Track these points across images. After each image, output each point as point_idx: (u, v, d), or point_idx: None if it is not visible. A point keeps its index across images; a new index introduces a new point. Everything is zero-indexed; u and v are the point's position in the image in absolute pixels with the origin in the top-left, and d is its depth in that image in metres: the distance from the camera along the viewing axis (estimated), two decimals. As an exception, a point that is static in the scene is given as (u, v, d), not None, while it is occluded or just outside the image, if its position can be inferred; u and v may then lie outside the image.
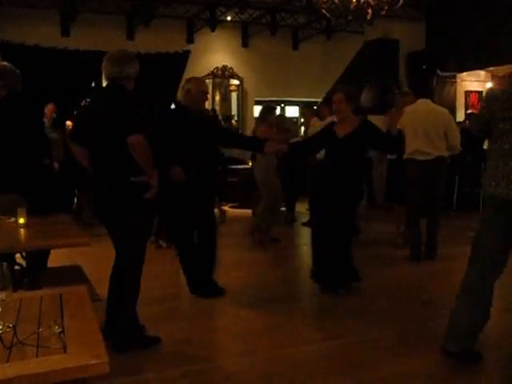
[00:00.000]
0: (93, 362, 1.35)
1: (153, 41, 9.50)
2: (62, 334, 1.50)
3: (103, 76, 3.06)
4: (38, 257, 2.99)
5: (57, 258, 3.59)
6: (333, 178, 4.07)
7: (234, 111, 11.06)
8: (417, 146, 4.97)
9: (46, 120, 5.57)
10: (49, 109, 6.41)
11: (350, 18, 6.08)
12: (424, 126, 4.99)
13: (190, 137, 3.93)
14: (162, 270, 4.74)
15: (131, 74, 2.98)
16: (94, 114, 3.01)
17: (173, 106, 5.98)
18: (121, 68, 2.95)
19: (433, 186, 5.07)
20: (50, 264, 3.46)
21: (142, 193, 2.88)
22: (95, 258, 4.17)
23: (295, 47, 11.25)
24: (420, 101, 5.17)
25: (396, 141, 4.15)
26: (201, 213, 4.07)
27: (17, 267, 3.22)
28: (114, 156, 2.89)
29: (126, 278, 2.98)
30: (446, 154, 5.07)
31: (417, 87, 6.90)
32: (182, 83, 9.42)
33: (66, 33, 9.12)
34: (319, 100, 10.09)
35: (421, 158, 4.99)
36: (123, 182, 2.88)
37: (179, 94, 4.19)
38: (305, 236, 6.38)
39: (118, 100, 2.91)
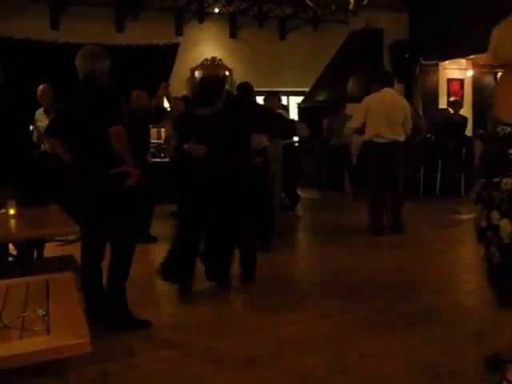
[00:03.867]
0: (74, 341, 1.39)
1: (142, 33, 9.44)
2: (46, 317, 1.54)
3: (78, 72, 3.13)
4: (29, 247, 3.01)
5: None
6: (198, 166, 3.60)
7: (224, 101, 11.03)
8: (378, 131, 5.42)
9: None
10: (42, 90, 5.38)
11: (333, 7, 6.07)
12: (387, 113, 5.41)
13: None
14: (150, 257, 4.78)
15: (103, 68, 3.07)
16: (71, 108, 3.08)
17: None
18: (93, 64, 3.04)
19: (392, 165, 5.46)
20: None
21: (123, 183, 2.95)
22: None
23: (282, 38, 11.21)
24: (384, 90, 5.53)
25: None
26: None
27: (10, 258, 3.26)
28: (93, 149, 2.97)
29: (116, 264, 3.05)
30: (402, 139, 5.52)
31: (396, 75, 7.09)
32: (171, 75, 9.52)
33: (55, 26, 9.04)
34: (307, 89, 10.11)
35: (379, 140, 5.43)
36: (103, 173, 2.95)
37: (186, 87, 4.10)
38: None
39: (94, 93, 2.99)
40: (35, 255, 3.71)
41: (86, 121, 2.97)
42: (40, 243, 3.85)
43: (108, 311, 3.03)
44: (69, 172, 3.09)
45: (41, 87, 5.34)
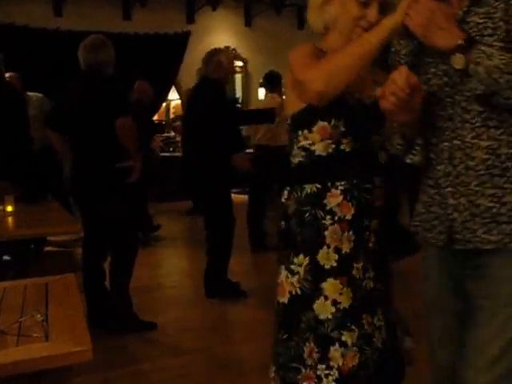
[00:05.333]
0: (75, 349, 1.37)
1: (151, 21, 9.46)
2: (44, 323, 1.52)
3: (81, 63, 3.18)
4: (26, 246, 3.04)
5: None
6: None
7: (239, 94, 11.02)
8: None
9: None
10: None
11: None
12: None
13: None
14: (156, 259, 4.79)
15: (108, 58, 3.11)
16: (74, 100, 3.11)
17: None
18: (95, 54, 3.08)
19: None
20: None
21: (123, 179, 3.01)
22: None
23: (301, 27, 11.17)
24: None
25: None
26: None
27: (6, 257, 3.29)
28: (97, 142, 3.00)
29: (118, 263, 3.08)
30: None
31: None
32: (181, 66, 9.52)
33: (58, 12, 9.10)
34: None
35: None
36: (107, 168, 2.99)
37: (202, 70, 4.05)
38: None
39: (99, 85, 3.03)
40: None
41: (90, 114, 3.01)
42: (40, 241, 3.90)
43: (111, 312, 3.07)
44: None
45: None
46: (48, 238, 4.18)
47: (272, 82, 5.24)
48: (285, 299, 1.59)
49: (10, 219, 2.75)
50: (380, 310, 1.60)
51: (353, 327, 1.54)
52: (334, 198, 1.54)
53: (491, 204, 1.37)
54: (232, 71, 4.02)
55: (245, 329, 3.29)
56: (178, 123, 8.20)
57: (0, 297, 1.77)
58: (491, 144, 1.36)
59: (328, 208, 1.54)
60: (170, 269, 4.68)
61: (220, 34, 10.60)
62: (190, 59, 10.15)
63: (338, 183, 1.54)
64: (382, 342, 1.58)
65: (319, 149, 1.55)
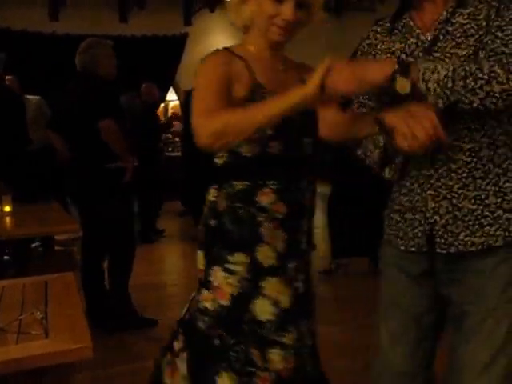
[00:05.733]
0: (75, 346, 1.36)
1: (148, 23, 9.46)
2: (44, 320, 1.51)
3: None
4: (24, 246, 3.05)
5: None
6: None
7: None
8: None
9: None
10: None
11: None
12: None
13: None
14: (157, 257, 4.80)
15: (95, 57, 3.11)
16: (67, 102, 3.18)
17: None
18: (84, 56, 3.12)
19: None
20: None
21: (118, 179, 3.03)
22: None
23: (301, 27, 11.19)
24: None
25: None
26: None
27: (6, 257, 3.28)
28: (88, 143, 3.05)
29: (116, 261, 3.09)
30: None
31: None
32: (179, 68, 9.53)
33: (54, 17, 9.10)
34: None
35: None
36: (98, 168, 3.03)
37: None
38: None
39: (86, 86, 3.08)
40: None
41: (80, 115, 3.06)
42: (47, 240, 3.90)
43: (111, 311, 3.07)
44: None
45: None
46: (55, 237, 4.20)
47: None
48: (226, 301, 1.48)
49: (7, 219, 2.75)
50: (313, 313, 1.58)
51: (292, 328, 1.49)
52: (265, 197, 1.48)
53: (474, 206, 1.37)
54: None
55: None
56: (177, 123, 8.22)
57: (-1, 295, 1.76)
58: (473, 146, 1.36)
59: (260, 205, 1.48)
60: (170, 267, 4.67)
61: (217, 35, 10.59)
62: (188, 61, 10.16)
63: (268, 182, 1.48)
64: (312, 346, 1.57)
65: (245, 151, 1.47)
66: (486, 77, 1.22)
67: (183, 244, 5.67)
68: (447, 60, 1.34)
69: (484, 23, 1.34)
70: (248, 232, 1.48)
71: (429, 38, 1.41)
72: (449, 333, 1.49)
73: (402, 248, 1.48)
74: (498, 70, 1.22)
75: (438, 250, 1.40)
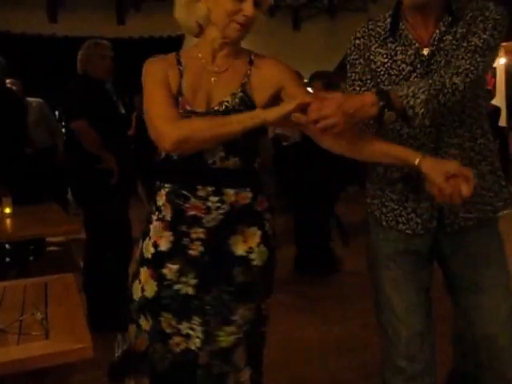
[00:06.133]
0: (75, 347, 1.37)
1: (145, 25, 9.47)
2: (44, 321, 1.51)
3: None
4: (25, 247, 3.05)
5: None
6: None
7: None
8: None
9: None
10: None
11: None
12: None
13: None
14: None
15: (92, 56, 3.14)
16: (64, 102, 3.28)
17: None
18: (82, 53, 3.16)
19: None
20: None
21: (108, 179, 3.04)
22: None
23: (296, 28, 11.18)
24: None
25: None
26: None
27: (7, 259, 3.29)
28: (78, 143, 3.04)
29: (117, 263, 3.14)
30: None
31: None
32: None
33: (53, 19, 9.10)
34: (323, 83, 10.04)
35: None
36: (89, 169, 3.05)
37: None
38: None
39: (74, 87, 3.15)
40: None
41: (66, 115, 3.20)
42: (39, 242, 3.90)
43: (112, 311, 3.07)
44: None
45: None
46: (46, 239, 4.21)
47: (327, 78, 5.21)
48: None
49: (8, 221, 2.75)
50: (198, 319, 1.56)
51: (149, 318, 1.61)
52: (160, 198, 1.60)
53: None
54: None
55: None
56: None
57: (0, 296, 1.76)
58: (458, 141, 1.60)
59: (157, 205, 1.62)
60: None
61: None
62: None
63: (164, 184, 1.59)
64: (184, 350, 1.57)
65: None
66: (450, 90, 1.43)
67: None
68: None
69: (469, 33, 1.53)
70: (144, 226, 1.65)
71: (426, 53, 1.58)
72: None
73: (409, 232, 1.67)
74: (457, 81, 1.43)
75: (448, 230, 1.65)
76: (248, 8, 1.50)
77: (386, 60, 1.62)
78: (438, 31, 1.56)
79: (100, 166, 3.01)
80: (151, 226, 1.62)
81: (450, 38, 1.56)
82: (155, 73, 1.56)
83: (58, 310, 1.62)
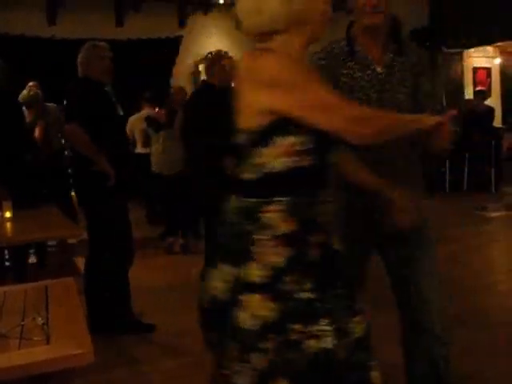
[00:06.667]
0: (76, 351, 1.37)
1: (143, 26, 9.45)
2: (45, 326, 1.52)
3: None
4: (23, 252, 3.04)
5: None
6: None
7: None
8: None
9: None
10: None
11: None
12: None
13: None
14: (163, 261, 4.80)
15: (90, 57, 3.16)
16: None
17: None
18: (82, 55, 3.18)
19: None
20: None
21: (105, 181, 3.03)
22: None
23: (293, 28, 11.19)
24: None
25: None
26: None
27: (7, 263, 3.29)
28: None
29: (117, 266, 3.13)
30: None
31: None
32: (174, 69, 9.54)
33: (52, 21, 9.08)
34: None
35: None
36: (87, 170, 3.04)
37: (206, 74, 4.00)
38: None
39: (70, 89, 3.17)
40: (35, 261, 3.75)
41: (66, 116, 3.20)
42: (41, 248, 3.90)
43: (112, 314, 3.08)
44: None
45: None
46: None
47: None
48: None
49: (8, 225, 2.74)
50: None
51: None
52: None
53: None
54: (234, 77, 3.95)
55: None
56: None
57: (1, 301, 1.76)
58: (401, 163, 1.88)
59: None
60: (173, 271, 4.65)
61: (211, 37, 10.58)
62: (182, 63, 10.15)
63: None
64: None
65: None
66: None
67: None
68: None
69: (414, 69, 1.85)
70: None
71: (381, 71, 1.83)
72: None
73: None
74: None
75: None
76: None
77: (347, 80, 1.84)
78: (391, 55, 1.83)
79: (94, 169, 3.01)
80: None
81: (400, 62, 1.83)
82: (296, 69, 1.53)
83: (58, 315, 1.62)
